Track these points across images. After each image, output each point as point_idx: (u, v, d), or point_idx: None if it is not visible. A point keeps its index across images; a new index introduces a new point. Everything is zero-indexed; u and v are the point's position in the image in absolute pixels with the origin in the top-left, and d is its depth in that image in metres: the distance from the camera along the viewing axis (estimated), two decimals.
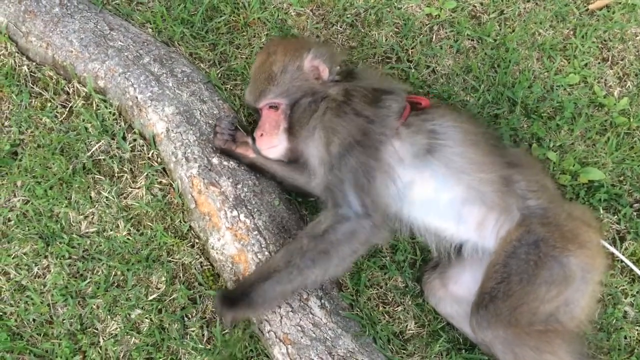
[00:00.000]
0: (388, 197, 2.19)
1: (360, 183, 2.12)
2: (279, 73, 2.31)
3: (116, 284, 2.43)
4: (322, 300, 2.30)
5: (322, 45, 2.57)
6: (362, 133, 2.17)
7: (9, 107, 2.69)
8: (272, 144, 2.33)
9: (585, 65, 2.91)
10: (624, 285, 2.50)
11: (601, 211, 2.59)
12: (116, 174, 2.55)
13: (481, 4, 3.01)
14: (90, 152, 2.56)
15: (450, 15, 2.97)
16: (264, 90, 2.32)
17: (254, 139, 2.44)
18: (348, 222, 2.09)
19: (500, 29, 2.96)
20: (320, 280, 2.18)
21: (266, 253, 2.30)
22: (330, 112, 2.22)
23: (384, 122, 2.21)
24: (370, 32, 2.92)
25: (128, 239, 2.46)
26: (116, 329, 2.36)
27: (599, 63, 2.93)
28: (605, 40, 2.98)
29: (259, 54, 2.46)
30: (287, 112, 2.33)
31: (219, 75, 2.75)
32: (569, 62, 2.91)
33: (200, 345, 2.32)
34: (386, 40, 2.91)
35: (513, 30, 2.95)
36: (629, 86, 2.89)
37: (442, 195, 2.22)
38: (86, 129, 2.59)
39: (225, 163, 2.45)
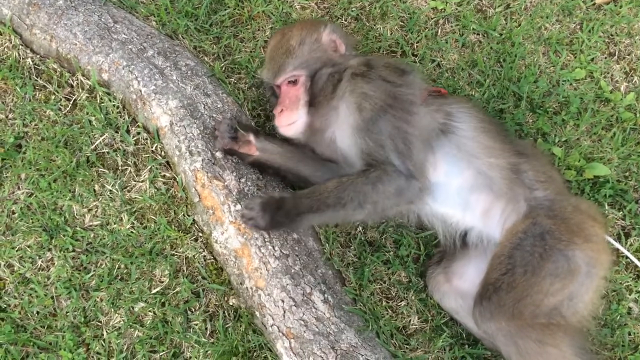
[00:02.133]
0: (425, 163, 2.19)
1: (400, 149, 2.12)
2: (297, 45, 2.30)
3: (120, 277, 2.43)
4: (326, 295, 2.29)
5: (337, 25, 2.56)
6: (392, 97, 2.17)
7: (13, 99, 2.69)
8: (292, 120, 2.28)
9: (592, 60, 2.89)
10: (628, 282, 2.49)
11: (606, 207, 2.58)
12: (120, 167, 2.55)
13: None
14: (94, 145, 2.56)
15: (456, 8, 2.95)
16: (282, 64, 2.29)
17: (255, 135, 2.42)
18: (399, 178, 2.10)
19: (506, 23, 2.94)
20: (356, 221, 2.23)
21: (269, 247, 2.29)
22: (359, 78, 2.20)
23: (411, 86, 2.23)
24: (375, 25, 2.90)
25: (132, 232, 2.46)
26: (119, 321, 2.37)
27: (606, 58, 2.91)
28: (612, 35, 2.95)
29: (272, 38, 2.47)
30: (307, 84, 2.30)
31: (223, 68, 2.74)
32: (575, 57, 2.89)
33: (203, 339, 2.32)
34: (391, 34, 2.89)
35: (519, 25, 2.93)
36: (635, 81, 2.87)
37: (451, 181, 2.23)
38: (90, 122, 2.59)
39: (229, 157, 2.44)
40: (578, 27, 2.97)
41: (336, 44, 2.35)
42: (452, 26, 2.92)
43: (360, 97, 2.17)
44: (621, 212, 2.59)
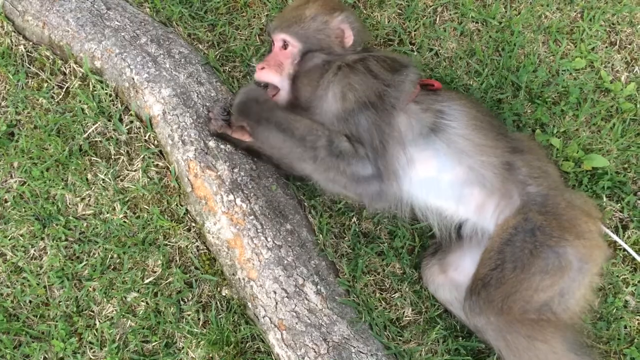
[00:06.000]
0: (398, 168, 2.17)
1: (375, 146, 2.11)
2: (309, 18, 2.31)
3: (112, 267, 2.42)
4: (318, 286, 2.28)
5: (357, 17, 2.52)
6: (377, 95, 2.15)
7: (5, 87, 2.67)
8: (269, 79, 2.30)
9: (592, 49, 2.84)
10: (625, 274, 2.46)
11: (604, 199, 2.55)
12: (112, 156, 2.53)
13: None
14: (86, 134, 2.54)
15: None
16: (286, 25, 2.32)
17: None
18: (364, 168, 2.09)
19: (506, 11, 2.89)
20: (305, 174, 2.23)
21: (262, 238, 2.28)
22: (346, 69, 2.20)
23: (399, 87, 2.20)
24: (372, 13, 2.86)
25: (124, 221, 2.45)
26: (112, 311, 2.36)
27: (607, 47, 2.86)
28: (613, 24, 2.90)
29: None
30: (297, 58, 2.31)
31: (218, 56, 2.70)
32: (575, 46, 2.84)
33: (195, 329, 2.31)
34: (389, 21, 2.84)
35: (519, 13, 2.88)
36: (636, 71, 2.82)
37: (443, 175, 2.20)
38: (82, 110, 2.57)
39: (222, 146, 2.42)
40: (579, 15, 2.92)
41: (344, 34, 2.33)
42: (450, 14, 2.87)
43: (346, 87, 2.15)
44: (619, 204, 2.56)
